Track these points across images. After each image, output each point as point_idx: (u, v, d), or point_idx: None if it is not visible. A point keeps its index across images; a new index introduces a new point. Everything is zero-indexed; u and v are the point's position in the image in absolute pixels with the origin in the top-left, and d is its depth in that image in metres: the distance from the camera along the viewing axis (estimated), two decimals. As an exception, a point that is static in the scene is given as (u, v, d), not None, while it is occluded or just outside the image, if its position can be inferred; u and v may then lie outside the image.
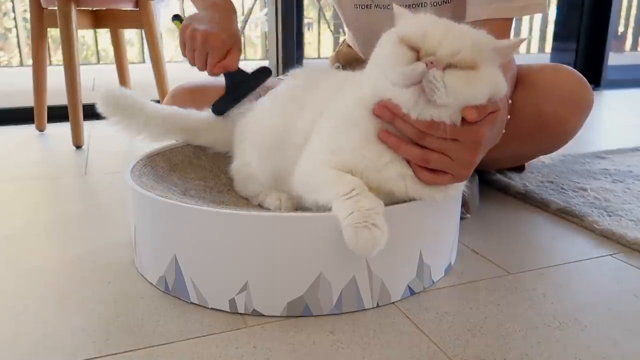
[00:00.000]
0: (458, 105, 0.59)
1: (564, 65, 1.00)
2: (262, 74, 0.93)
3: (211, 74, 0.90)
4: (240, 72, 0.92)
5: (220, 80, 0.93)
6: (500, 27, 0.84)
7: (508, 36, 0.88)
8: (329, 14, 4.73)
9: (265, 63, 2.66)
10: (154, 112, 0.90)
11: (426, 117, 0.60)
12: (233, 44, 0.89)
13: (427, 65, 0.57)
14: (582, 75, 0.97)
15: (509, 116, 0.81)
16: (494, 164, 1.15)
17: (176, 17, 0.97)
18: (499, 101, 0.63)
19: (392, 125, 0.63)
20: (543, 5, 0.86)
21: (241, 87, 0.92)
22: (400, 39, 0.61)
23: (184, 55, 0.91)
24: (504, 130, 0.79)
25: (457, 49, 0.58)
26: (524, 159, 1.18)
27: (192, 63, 0.90)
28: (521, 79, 0.96)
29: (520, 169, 1.22)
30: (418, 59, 0.59)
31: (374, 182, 0.64)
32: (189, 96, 1.01)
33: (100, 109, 0.86)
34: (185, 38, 0.88)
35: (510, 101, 0.80)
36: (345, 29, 1.19)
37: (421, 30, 0.60)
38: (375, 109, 0.63)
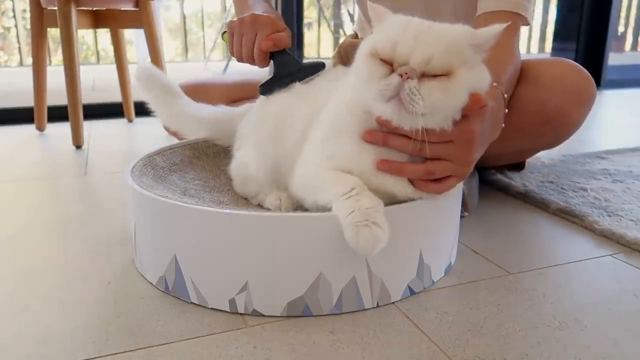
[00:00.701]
0: (439, 114, 0.59)
1: (566, 59, 1.00)
2: (314, 67, 0.82)
3: (259, 53, 0.81)
4: (291, 57, 0.83)
5: (224, 78, 0.93)
6: (509, 19, 0.86)
7: (517, 31, 0.89)
8: (329, 14, 4.73)
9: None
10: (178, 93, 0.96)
11: (416, 127, 0.59)
12: (284, 28, 0.83)
13: (401, 76, 0.57)
14: (584, 68, 0.98)
15: (506, 110, 0.81)
16: (498, 159, 1.15)
17: (224, 32, 0.89)
18: (487, 96, 0.62)
19: (386, 146, 0.63)
20: (531, 18, 0.90)
21: (290, 73, 0.83)
22: (372, 54, 0.60)
23: (231, 50, 0.85)
24: (503, 125, 0.79)
25: (429, 56, 0.57)
26: (528, 154, 1.18)
27: (239, 52, 0.83)
28: (524, 73, 0.97)
29: (519, 166, 1.22)
30: (392, 70, 0.58)
31: (373, 184, 0.64)
32: (191, 93, 1.02)
33: (136, 81, 0.94)
34: (232, 27, 0.84)
35: (506, 95, 0.80)
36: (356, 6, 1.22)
37: (392, 40, 0.59)
38: (365, 137, 0.63)
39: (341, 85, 0.71)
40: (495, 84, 0.76)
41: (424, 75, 0.57)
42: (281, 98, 0.82)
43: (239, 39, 0.83)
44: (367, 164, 0.64)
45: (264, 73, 1.15)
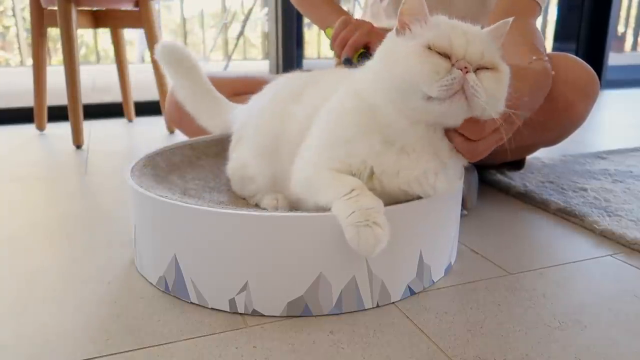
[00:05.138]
0: (493, 106, 0.60)
1: (570, 55, 1.02)
2: None
3: (349, 49, 0.95)
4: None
5: (227, 73, 0.95)
6: (527, 4, 0.91)
7: (535, 15, 0.94)
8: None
9: (266, 63, 2.67)
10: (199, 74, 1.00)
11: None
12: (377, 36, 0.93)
13: (461, 70, 0.57)
14: (587, 64, 1.00)
15: (553, 72, 0.83)
16: (501, 155, 1.15)
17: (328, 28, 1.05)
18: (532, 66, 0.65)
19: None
20: (543, 5, 0.95)
21: None
22: (429, 47, 0.59)
23: (333, 44, 0.98)
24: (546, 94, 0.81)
25: (482, 51, 0.59)
26: (531, 150, 1.19)
27: (338, 42, 0.97)
28: None
29: (519, 165, 1.22)
30: (451, 64, 0.58)
31: (390, 184, 0.64)
32: None
33: (157, 56, 0.97)
34: (339, 25, 0.98)
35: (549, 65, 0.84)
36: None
37: (446, 36, 0.59)
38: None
39: (342, 86, 0.71)
40: (535, 57, 0.78)
41: (478, 69, 0.59)
42: (278, 106, 0.81)
43: (342, 28, 0.97)
44: (390, 164, 0.64)
45: (263, 70, 1.16)
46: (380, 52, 0.65)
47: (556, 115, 0.97)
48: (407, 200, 0.66)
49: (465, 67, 0.57)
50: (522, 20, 0.90)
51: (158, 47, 0.96)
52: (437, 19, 0.63)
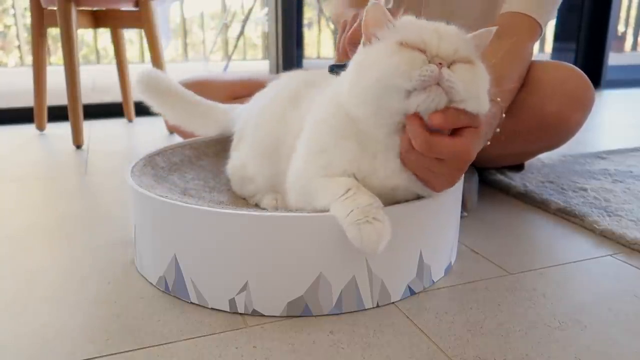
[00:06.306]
0: (470, 97, 0.58)
1: (565, 63, 1.01)
2: None
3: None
4: None
5: (227, 75, 0.92)
6: (530, 23, 0.88)
7: (533, 36, 0.92)
8: (328, 14, 4.73)
9: (266, 63, 2.67)
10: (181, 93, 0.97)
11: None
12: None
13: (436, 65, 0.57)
14: (583, 72, 0.98)
15: (504, 115, 0.81)
16: (497, 161, 1.16)
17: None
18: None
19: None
20: (545, 25, 0.93)
21: None
22: (403, 44, 0.59)
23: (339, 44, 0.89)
24: (498, 130, 0.79)
25: (455, 47, 0.59)
26: (527, 156, 1.19)
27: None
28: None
29: (519, 167, 1.22)
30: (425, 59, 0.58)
31: (376, 185, 0.64)
32: (192, 90, 1.02)
33: (137, 89, 0.93)
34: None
35: (504, 115, 0.81)
36: None
37: (418, 33, 0.59)
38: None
39: (325, 92, 0.70)
40: (498, 99, 0.77)
41: (452, 64, 0.59)
42: (279, 107, 0.81)
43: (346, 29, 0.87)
44: (368, 165, 0.64)
45: (264, 70, 1.16)
46: (352, 65, 0.64)
47: (550, 128, 0.96)
48: (406, 200, 0.66)
49: (440, 63, 0.57)
50: (511, 41, 0.88)
51: (136, 81, 0.92)
52: (404, 20, 0.62)
